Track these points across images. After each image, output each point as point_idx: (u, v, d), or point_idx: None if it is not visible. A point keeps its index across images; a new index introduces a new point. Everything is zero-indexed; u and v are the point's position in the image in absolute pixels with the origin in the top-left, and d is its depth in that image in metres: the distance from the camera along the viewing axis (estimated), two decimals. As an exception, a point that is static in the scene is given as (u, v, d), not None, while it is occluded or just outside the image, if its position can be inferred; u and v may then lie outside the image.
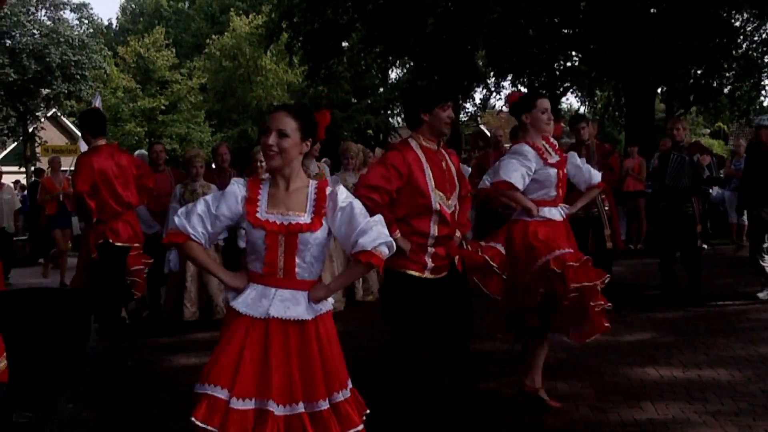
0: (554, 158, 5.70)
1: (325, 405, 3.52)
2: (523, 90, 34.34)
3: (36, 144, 35.31)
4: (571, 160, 5.97)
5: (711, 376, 6.40)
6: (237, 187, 3.67)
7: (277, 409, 3.45)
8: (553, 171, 5.63)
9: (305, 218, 3.63)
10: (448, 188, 5.00)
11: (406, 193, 4.91)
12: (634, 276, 11.61)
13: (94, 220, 7.28)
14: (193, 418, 3.39)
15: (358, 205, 3.70)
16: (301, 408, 3.48)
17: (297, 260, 3.61)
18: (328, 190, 3.73)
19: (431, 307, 4.96)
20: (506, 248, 5.87)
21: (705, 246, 10.19)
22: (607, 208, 9.30)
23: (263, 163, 9.46)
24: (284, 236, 3.58)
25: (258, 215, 3.60)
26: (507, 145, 8.94)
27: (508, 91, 35.30)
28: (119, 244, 7.29)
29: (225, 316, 3.71)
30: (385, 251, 3.62)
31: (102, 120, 7.69)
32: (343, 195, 3.72)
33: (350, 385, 3.65)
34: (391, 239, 3.65)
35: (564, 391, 6.13)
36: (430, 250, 4.95)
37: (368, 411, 3.72)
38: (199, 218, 3.60)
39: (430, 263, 4.96)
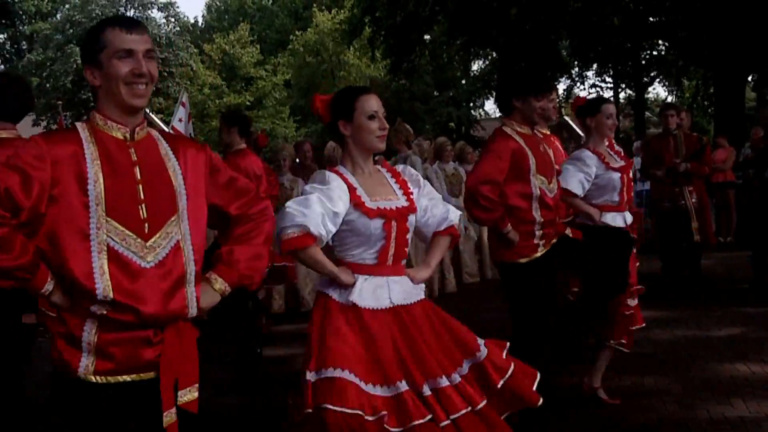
0: (618, 163, 5.68)
1: (464, 370, 3.50)
2: (609, 80, 33.91)
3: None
4: None
5: (805, 372, 6.21)
6: (337, 181, 3.54)
7: (424, 389, 3.40)
8: (616, 175, 5.59)
9: (402, 201, 3.65)
10: (549, 172, 4.96)
11: (509, 181, 4.86)
12: (724, 269, 11.32)
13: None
14: (327, 405, 3.26)
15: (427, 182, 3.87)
16: (444, 382, 3.43)
17: (406, 245, 3.65)
18: (400, 168, 3.81)
19: (550, 280, 4.97)
20: None
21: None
22: (695, 200, 9.08)
23: (286, 161, 9.53)
24: (396, 221, 3.57)
25: (368, 205, 3.54)
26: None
27: (592, 81, 34.86)
28: None
29: (320, 309, 3.58)
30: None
31: (249, 121, 7.82)
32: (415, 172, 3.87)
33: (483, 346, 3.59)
34: None
35: (651, 386, 6.01)
36: (538, 233, 4.90)
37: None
38: (323, 217, 3.41)
39: (540, 243, 4.91)
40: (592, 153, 5.60)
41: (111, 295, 2.61)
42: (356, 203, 3.52)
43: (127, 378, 2.70)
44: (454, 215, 3.83)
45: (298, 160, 10.73)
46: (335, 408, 3.24)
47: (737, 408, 5.44)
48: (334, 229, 3.48)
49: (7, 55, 49.18)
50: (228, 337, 7.31)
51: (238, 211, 3.04)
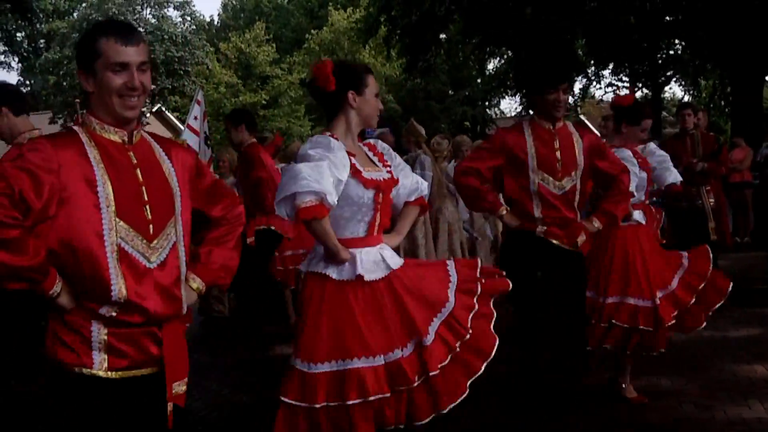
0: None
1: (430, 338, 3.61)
2: (625, 80, 33.75)
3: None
4: None
5: (823, 374, 6.16)
6: (341, 150, 3.59)
7: (404, 352, 3.54)
8: (645, 175, 5.74)
9: (384, 173, 3.78)
10: (559, 168, 4.88)
11: (508, 173, 4.93)
12: (740, 270, 11.22)
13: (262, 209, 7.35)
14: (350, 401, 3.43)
15: None
16: (424, 341, 3.57)
17: (389, 215, 3.82)
18: (373, 142, 4.00)
19: (548, 266, 4.90)
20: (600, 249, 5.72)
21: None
22: (712, 200, 9.02)
23: None
24: (383, 193, 3.69)
25: (365, 175, 3.64)
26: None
27: (608, 80, 34.65)
28: (279, 232, 7.45)
29: (317, 294, 3.61)
30: None
31: (254, 117, 7.93)
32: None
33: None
34: None
35: (667, 387, 5.99)
36: (540, 229, 4.89)
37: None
38: (333, 185, 3.43)
39: (542, 229, 4.90)
40: (631, 152, 5.69)
41: (125, 294, 2.68)
42: (354, 172, 3.58)
43: (136, 373, 2.79)
44: (424, 185, 4.06)
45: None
46: (356, 401, 3.41)
47: (755, 409, 5.41)
48: (337, 198, 3.46)
49: (25, 54, 49.44)
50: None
51: (220, 214, 3.20)
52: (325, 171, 3.38)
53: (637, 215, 5.65)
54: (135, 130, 2.86)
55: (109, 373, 2.73)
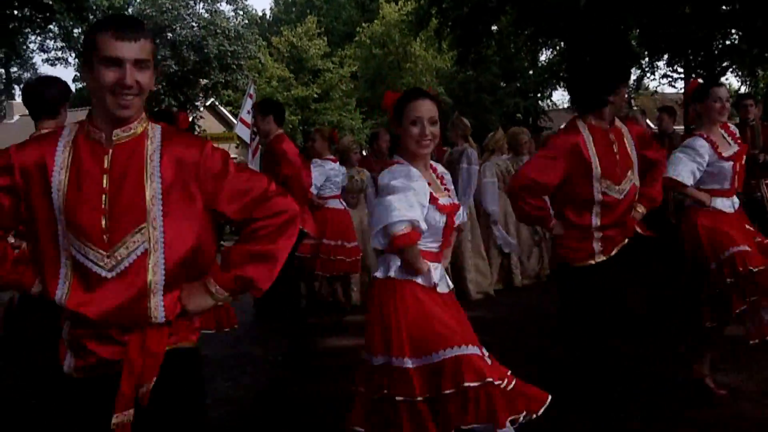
0: (731, 150, 5.55)
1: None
2: (680, 71, 33.26)
3: (196, 132, 36.66)
4: None
5: None
6: (421, 178, 3.69)
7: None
8: (728, 164, 5.50)
9: (449, 198, 3.89)
10: (618, 172, 4.66)
11: (566, 184, 4.67)
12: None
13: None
14: (472, 383, 3.42)
15: None
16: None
17: (452, 235, 3.94)
18: (440, 169, 4.02)
19: (607, 290, 4.73)
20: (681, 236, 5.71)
21: None
22: (770, 192, 8.86)
23: (357, 154, 9.62)
24: (451, 216, 3.81)
25: (441, 201, 3.76)
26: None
27: (663, 72, 34.16)
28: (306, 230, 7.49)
29: (406, 296, 3.67)
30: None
31: (283, 110, 7.88)
32: None
33: None
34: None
35: (723, 383, 5.86)
36: (597, 235, 4.70)
37: None
38: (421, 212, 3.59)
39: (598, 248, 4.71)
40: (705, 141, 5.48)
41: (65, 304, 2.62)
42: (431, 199, 3.69)
43: (100, 374, 2.67)
44: (465, 215, 4.28)
45: (370, 151, 10.79)
46: (476, 384, 3.42)
47: (815, 408, 5.29)
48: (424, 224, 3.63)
49: (81, 49, 50.12)
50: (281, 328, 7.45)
51: (240, 216, 2.81)
52: (411, 197, 3.55)
53: (719, 202, 5.54)
54: (122, 128, 2.68)
55: (75, 374, 2.69)
